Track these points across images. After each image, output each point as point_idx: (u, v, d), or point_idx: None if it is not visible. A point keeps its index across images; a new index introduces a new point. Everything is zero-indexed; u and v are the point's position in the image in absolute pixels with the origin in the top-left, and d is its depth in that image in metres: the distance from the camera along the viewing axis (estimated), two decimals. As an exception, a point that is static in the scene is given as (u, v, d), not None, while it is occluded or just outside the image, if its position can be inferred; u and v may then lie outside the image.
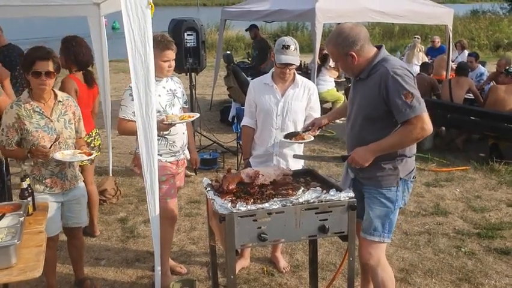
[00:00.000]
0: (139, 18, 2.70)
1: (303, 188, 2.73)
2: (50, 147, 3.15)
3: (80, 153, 3.29)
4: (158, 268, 3.19)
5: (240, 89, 8.55)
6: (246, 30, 11.01)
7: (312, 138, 3.51)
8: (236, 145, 6.83)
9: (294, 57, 3.51)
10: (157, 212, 3.05)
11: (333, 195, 2.67)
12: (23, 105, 3.11)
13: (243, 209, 2.57)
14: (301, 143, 3.56)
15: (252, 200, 2.76)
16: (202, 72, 7.77)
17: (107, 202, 5.37)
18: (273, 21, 10.80)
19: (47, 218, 3.14)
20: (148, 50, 2.79)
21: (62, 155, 3.20)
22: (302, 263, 4.12)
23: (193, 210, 5.23)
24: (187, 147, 3.80)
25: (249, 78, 8.80)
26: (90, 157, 3.33)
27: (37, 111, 3.16)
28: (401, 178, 2.88)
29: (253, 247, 4.10)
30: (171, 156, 3.58)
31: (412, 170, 2.96)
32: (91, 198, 4.61)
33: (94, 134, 4.48)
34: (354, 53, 2.75)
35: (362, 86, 2.87)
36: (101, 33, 5.42)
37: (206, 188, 2.95)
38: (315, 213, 2.65)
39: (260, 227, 2.61)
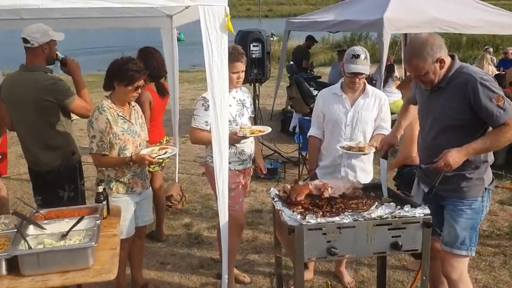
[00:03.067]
0: (217, 30, 2.75)
1: (377, 203, 2.66)
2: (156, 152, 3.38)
3: (160, 149, 3.41)
4: (225, 276, 3.21)
5: (302, 100, 8.54)
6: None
7: (373, 150, 3.42)
8: (298, 155, 6.79)
9: (363, 66, 3.45)
10: (227, 219, 3.09)
11: (407, 211, 2.58)
12: (108, 110, 3.25)
13: (312, 221, 2.53)
14: (361, 154, 3.47)
15: (321, 212, 2.73)
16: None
17: (173, 208, 5.49)
18: (337, 32, 10.73)
19: (127, 219, 3.30)
20: (224, 61, 2.84)
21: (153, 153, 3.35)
22: (367, 279, 4.00)
23: (255, 220, 5.24)
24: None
25: (311, 89, 8.79)
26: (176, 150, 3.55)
27: (120, 116, 3.32)
28: (485, 188, 2.84)
29: (321, 261, 4.03)
30: (239, 165, 3.62)
31: (493, 179, 2.93)
32: (158, 203, 4.74)
33: (164, 142, 4.60)
34: (443, 57, 2.72)
35: (440, 95, 2.81)
36: (172, 45, 5.57)
37: (274, 199, 2.94)
38: (388, 230, 2.57)
39: (330, 241, 2.55)
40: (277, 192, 2.99)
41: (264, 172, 4.14)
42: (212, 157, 3.58)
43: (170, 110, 5.99)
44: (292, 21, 9.79)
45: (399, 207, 2.62)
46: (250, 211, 5.46)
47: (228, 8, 2.75)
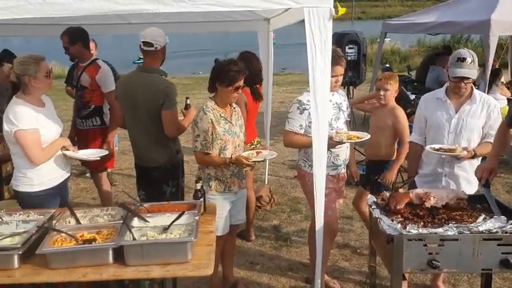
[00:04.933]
0: (321, 32, 2.72)
1: (484, 216, 2.48)
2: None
3: (258, 153, 3.48)
4: (318, 281, 3.17)
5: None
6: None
7: (464, 153, 3.21)
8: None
9: (470, 70, 3.24)
10: (322, 224, 3.06)
11: (521, 226, 2.38)
12: (212, 111, 3.36)
13: (413, 231, 2.43)
14: (453, 155, 3.27)
15: (423, 223, 2.60)
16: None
17: (262, 209, 5.55)
18: (437, 34, 10.23)
19: (223, 216, 3.39)
20: (327, 64, 2.81)
21: (250, 156, 3.42)
22: (467, 297, 3.76)
23: (345, 226, 5.13)
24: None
25: (408, 93, 8.44)
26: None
27: (222, 117, 3.41)
28: None
29: (419, 273, 3.85)
30: (333, 170, 3.55)
31: None
32: (248, 203, 4.79)
33: (255, 142, 4.67)
34: None
35: None
36: (268, 48, 5.63)
37: (371, 206, 2.86)
38: (497, 245, 2.39)
39: (431, 253, 2.44)
40: (375, 200, 2.90)
41: (356, 180, 4.05)
42: (305, 161, 3.58)
43: (261, 112, 6.02)
44: (388, 23, 9.48)
45: (511, 221, 2.43)
46: (340, 217, 5.34)
47: (333, 10, 2.70)
